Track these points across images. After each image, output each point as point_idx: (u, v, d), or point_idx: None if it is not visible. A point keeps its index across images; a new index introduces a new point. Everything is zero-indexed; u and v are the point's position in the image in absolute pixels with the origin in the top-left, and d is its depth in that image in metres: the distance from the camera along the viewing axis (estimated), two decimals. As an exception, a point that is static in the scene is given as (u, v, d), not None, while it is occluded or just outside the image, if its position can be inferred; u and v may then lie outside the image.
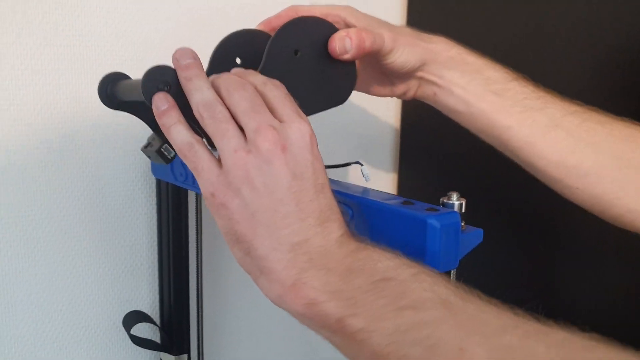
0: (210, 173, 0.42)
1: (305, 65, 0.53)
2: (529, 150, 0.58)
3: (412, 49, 0.58)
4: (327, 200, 0.43)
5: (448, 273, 0.47)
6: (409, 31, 0.60)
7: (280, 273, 0.40)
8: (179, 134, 0.44)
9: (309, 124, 0.43)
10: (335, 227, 0.42)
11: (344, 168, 0.63)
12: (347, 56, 0.54)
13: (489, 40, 0.81)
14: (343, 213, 0.47)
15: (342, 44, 0.54)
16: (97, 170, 0.73)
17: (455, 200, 0.48)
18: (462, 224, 0.48)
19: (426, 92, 0.62)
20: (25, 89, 0.67)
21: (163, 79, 0.45)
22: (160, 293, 0.76)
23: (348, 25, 0.57)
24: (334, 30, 0.55)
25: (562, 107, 0.57)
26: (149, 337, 0.74)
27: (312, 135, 0.43)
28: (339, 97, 0.57)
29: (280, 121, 0.43)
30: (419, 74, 0.60)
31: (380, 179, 1.01)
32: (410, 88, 0.62)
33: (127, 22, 0.73)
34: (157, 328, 0.75)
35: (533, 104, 0.58)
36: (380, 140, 1.01)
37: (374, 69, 0.60)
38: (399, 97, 0.64)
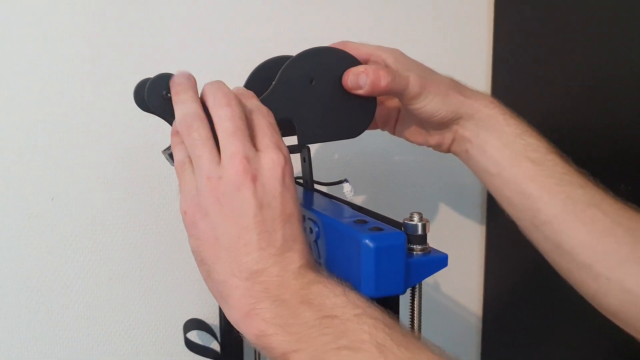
0: (188, 192, 0.45)
1: (319, 94, 0.54)
2: (558, 226, 0.52)
3: (443, 99, 0.56)
4: (293, 231, 0.43)
5: (394, 298, 0.43)
6: (448, 82, 0.58)
7: (238, 300, 0.42)
8: (179, 152, 0.47)
9: (284, 155, 0.44)
10: (295, 257, 0.42)
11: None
12: (360, 92, 0.54)
13: (575, 74, 0.73)
14: (311, 232, 0.47)
15: (356, 79, 0.54)
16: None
17: (418, 221, 0.44)
18: (424, 247, 0.44)
19: (459, 148, 0.60)
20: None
21: (167, 86, 0.48)
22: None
23: (387, 67, 0.57)
24: (355, 64, 0.54)
25: (603, 190, 0.52)
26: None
27: (285, 166, 0.44)
28: (353, 131, 0.57)
29: (257, 150, 0.44)
30: (454, 127, 0.59)
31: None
32: (445, 141, 0.60)
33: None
34: (213, 339, 0.79)
35: (572, 179, 0.53)
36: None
37: (411, 115, 0.60)
38: (433, 147, 0.62)
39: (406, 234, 0.44)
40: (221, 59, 0.82)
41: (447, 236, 1.00)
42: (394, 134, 0.66)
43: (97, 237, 0.81)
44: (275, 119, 0.52)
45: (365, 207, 0.51)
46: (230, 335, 0.78)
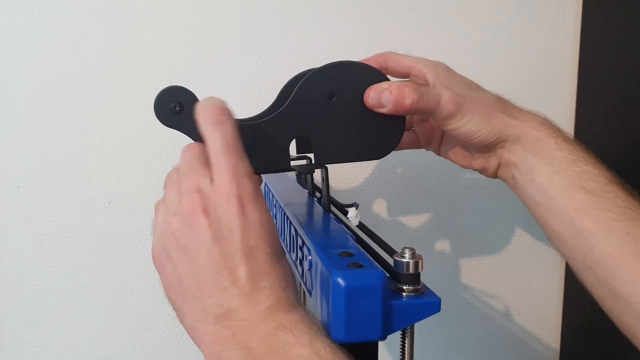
0: (155, 234, 0.43)
1: (339, 111, 0.50)
2: (614, 267, 0.45)
3: (484, 120, 0.51)
4: (259, 265, 0.39)
5: (372, 345, 0.39)
6: (492, 100, 0.52)
7: (207, 347, 0.39)
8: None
9: (239, 182, 0.40)
10: (263, 296, 0.38)
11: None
12: (383, 110, 0.50)
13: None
14: (304, 260, 0.44)
15: (378, 96, 0.50)
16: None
17: (409, 258, 0.39)
18: (416, 288, 0.39)
19: (506, 174, 0.54)
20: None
21: (176, 99, 0.47)
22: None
23: (426, 82, 0.52)
24: (380, 79, 0.50)
25: None
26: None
27: (242, 196, 0.40)
28: (376, 152, 0.52)
29: (211, 180, 0.41)
30: (499, 151, 0.53)
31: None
32: (490, 165, 0.55)
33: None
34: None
35: (636, 214, 0.46)
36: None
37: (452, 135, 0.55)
38: (479, 172, 0.57)
39: (395, 272, 0.40)
40: (256, 69, 0.80)
41: (525, 263, 0.92)
42: (439, 154, 0.61)
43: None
44: (291, 137, 0.50)
45: (379, 236, 0.47)
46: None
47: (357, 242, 0.47)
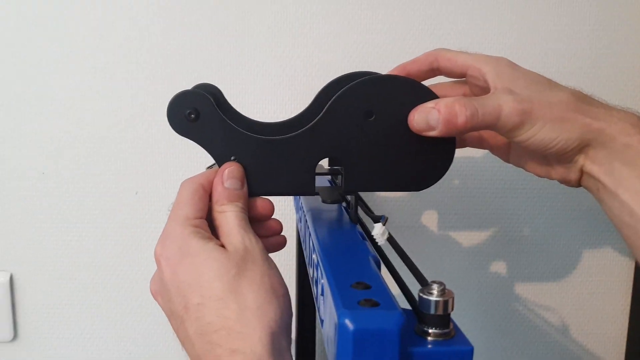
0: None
1: (377, 132, 0.43)
2: None
3: (560, 125, 0.42)
4: (203, 321, 0.36)
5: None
6: (567, 99, 0.43)
7: None
8: None
9: (165, 245, 0.39)
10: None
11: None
12: (432, 133, 0.42)
13: None
14: (317, 284, 0.39)
15: (425, 118, 0.42)
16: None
17: (436, 296, 0.32)
18: (445, 332, 0.32)
19: (590, 185, 0.45)
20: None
21: (191, 105, 0.43)
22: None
23: (486, 83, 0.45)
24: (428, 97, 0.43)
25: None
26: None
27: (169, 258, 0.39)
28: (418, 183, 0.45)
29: None
30: (580, 158, 0.44)
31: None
32: (571, 176, 0.46)
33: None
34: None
35: None
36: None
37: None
38: (560, 182, 0.48)
39: (420, 311, 0.33)
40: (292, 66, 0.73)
41: (586, 274, 0.82)
42: (508, 162, 0.52)
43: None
44: (319, 158, 0.43)
45: (409, 257, 0.40)
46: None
47: (383, 263, 0.40)
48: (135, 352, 0.80)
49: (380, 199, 0.77)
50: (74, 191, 0.76)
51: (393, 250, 0.43)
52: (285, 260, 0.39)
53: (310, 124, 0.43)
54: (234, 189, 0.42)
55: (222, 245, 0.39)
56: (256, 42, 0.73)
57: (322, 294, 0.37)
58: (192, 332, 0.37)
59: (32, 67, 0.72)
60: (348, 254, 0.40)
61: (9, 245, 0.77)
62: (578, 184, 0.47)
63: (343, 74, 0.50)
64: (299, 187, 0.44)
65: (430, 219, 0.79)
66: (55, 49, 0.72)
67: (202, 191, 0.42)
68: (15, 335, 0.78)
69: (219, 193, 0.42)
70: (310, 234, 0.46)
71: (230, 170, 0.42)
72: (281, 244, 0.46)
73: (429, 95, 0.43)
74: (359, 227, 0.46)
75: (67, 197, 0.76)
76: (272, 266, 0.39)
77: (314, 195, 0.45)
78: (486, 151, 0.53)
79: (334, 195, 0.46)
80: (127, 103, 0.74)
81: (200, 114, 0.42)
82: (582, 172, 0.45)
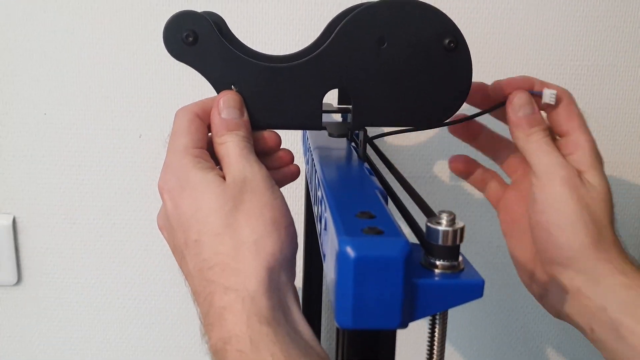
0: None
1: (389, 61, 0.40)
2: None
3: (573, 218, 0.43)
4: (200, 258, 0.35)
5: (388, 335, 0.30)
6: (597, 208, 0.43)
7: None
8: None
9: (166, 178, 0.38)
10: (215, 298, 0.33)
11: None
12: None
13: None
14: (320, 220, 0.37)
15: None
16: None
17: (445, 225, 0.30)
18: (453, 264, 0.30)
19: (578, 319, 0.43)
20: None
21: (189, 27, 0.40)
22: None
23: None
24: (449, 27, 0.40)
25: None
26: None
27: (170, 190, 0.37)
28: (431, 118, 0.42)
29: None
30: (564, 282, 0.43)
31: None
32: (551, 298, 0.45)
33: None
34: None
35: None
36: None
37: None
38: (536, 298, 0.48)
39: (428, 242, 0.30)
40: None
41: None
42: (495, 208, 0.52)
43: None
44: (326, 88, 0.41)
45: (418, 193, 0.37)
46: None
47: (391, 200, 0.38)
48: (140, 294, 0.79)
49: (391, 148, 0.75)
50: (76, 133, 0.74)
51: (400, 188, 0.40)
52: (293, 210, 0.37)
53: (317, 50, 0.40)
54: (232, 118, 0.39)
55: (224, 177, 0.37)
56: (265, -22, 0.70)
57: (326, 229, 0.35)
58: (192, 268, 0.35)
59: (34, 6, 0.70)
60: (354, 187, 0.38)
61: (12, 188, 0.75)
62: (557, 314, 0.44)
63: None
64: (305, 119, 0.42)
65: (442, 169, 0.76)
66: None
67: (199, 121, 0.39)
68: (19, 279, 0.78)
69: (216, 124, 0.39)
70: (316, 171, 0.43)
71: (226, 100, 0.39)
72: (294, 173, 0.44)
73: (447, 22, 0.40)
74: (366, 165, 0.44)
75: (69, 139, 0.74)
76: (276, 196, 0.36)
77: (320, 129, 0.43)
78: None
79: (342, 128, 0.44)
80: (130, 41, 0.71)
81: (198, 36, 0.39)
82: (564, 299, 0.43)
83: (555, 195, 0.42)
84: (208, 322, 0.33)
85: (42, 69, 0.71)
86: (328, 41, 0.40)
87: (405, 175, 0.45)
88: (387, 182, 0.41)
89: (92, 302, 0.79)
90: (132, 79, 0.72)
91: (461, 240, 0.30)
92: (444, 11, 0.40)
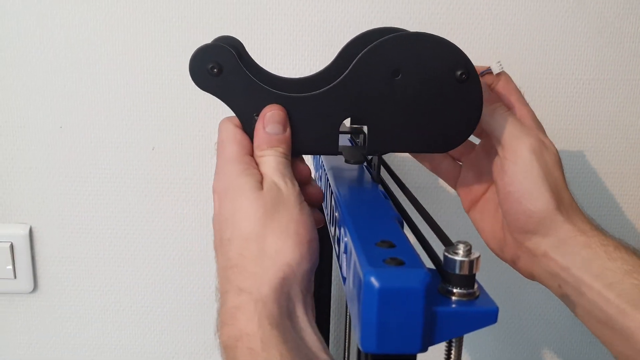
0: None
1: (403, 92, 0.42)
2: None
3: (539, 183, 0.47)
4: (226, 256, 0.37)
5: (410, 357, 0.32)
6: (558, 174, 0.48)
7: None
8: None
9: (217, 180, 0.41)
10: (229, 297, 0.36)
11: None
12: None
13: None
14: (339, 242, 0.39)
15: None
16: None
17: (462, 256, 0.32)
18: (469, 292, 0.32)
19: (547, 280, 0.48)
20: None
21: (214, 59, 0.42)
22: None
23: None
24: (460, 59, 0.42)
25: None
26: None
27: (219, 192, 0.40)
28: (442, 144, 0.44)
29: None
30: (534, 247, 0.48)
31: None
32: (522, 262, 0.50)
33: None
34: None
35: None
36: None
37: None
38: (509, 263, 0.52)
39: (445, 270, 0.33)
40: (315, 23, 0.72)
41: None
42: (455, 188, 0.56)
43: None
44: (343, 117, 0.43)
45: (434, 219, 0.39)
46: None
47: (406, 223, 0.40)
48: (153, 302, 0.82)
49: (397, 159, 0.77)
50: (91, 146, 0.76)
51: (415, 211, 0.43)
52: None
53: (335, 81, 0.42)
54: (274, 133, 0.41)
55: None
56: (276, -4, 0.72)
57: (346, 252, 0.38)
58: (220, 265, 0.38)
59: (51, 20, 0.71)
60: (371, 212, 0.40)
61: (28, 198, 0.77)
62: (531, 275, 0.48)
63: (367, 29, 0.49)
64: (322, 146, 0.44)
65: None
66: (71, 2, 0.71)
67: (241, 132, 0.42)
68: (35, 287, 0.80)
69: (260, 138, 0.41)
70: (332, 192, 0.46)
71: (272, 114, 0.41)
72: (319, 221, 0.45)
73: (459, 55, 0.42)
74: (380, 187, 0.46)
75: (85, 151, 0.76)
76: (304, 212, 0.39)
77: (337, 154, 0.45)
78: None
79: (357, 155, 0.46)
80: (145, 57, 0.73)
81: (223, 68, 0.41)
82: (534, 263, 0.47)
83: (524, 162, 0.45)
84: (221, 319, 0.35)
85: (58, 83, 0.73)
86: (345, 73, 0.42)
87: (410, 185, 0.48)
88: (401, 203, 0.43)
89: (106, 309, 0.82)
90: (145, 93, 0.74)
91: (477, 269, 0.32)
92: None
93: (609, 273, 0.42)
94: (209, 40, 0.44)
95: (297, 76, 0.48)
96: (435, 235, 0.38)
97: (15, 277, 0.78)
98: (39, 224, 0.78)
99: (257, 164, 0.41)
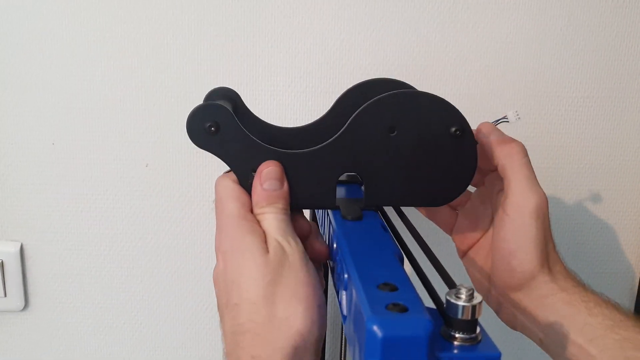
0: None
1: (399, 148, 0.43)
2: None
3: (532, 231, 0.47)
4: (235, 322, 0.37)
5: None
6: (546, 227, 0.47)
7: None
8: None
9: (220, 239, 0.40)
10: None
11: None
12: None
13: None
14: (339, 278, 0.38)
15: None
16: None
17: (464, 301, 0.32)
18: (471, 336, 0.32)
19: (527, 332, 0.48)
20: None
21: (211, 118, 0.42)
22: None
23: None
24: (454, 117, 0.42)
25: None
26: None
27: (224, 252, 0.39)
28: (437, 198, 0.45)
29: None
30: (516, 299, 0.48)
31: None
32: (504, 313, 0.50)
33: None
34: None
35: None
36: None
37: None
38: (493, 309, 0.52)
39: (447, 315, 0.32)
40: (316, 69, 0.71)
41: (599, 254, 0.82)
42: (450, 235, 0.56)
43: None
44: (340, 173, 0.43)
45: (437, 257, 0.39)
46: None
47: (408, 260, 0.39)
48: (147, 320, 0.81)
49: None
50: (83, 162, 0.75)
51: (414, 243, 0.42)
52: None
53: (332, 138, 0.42)
54: (272, 189, 0.41)
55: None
56: (268, 38, 0.71)
57: (346, 289, 0.37)
58: (227, 329, 0.37)
59: (43, 34, 0.70)
60: (371, 247, 0.39)
61: (19, 215, 0.76)
62: (513, 325, 0.48)
63: (363, 79, 0.51)
64: (319, 200, 0.44)
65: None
66: (65, 15, 0.70)
67: (239, 188, 0.41)
68: (26, 305, 0.79)
69: (258, 195, 0.41)
70: (331, 223, 0.45)
71: (268, 172, 0.41)
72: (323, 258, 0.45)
73: (453, 112, 0.42)
74: (380, 216, 0.46)
75: (77, 168, 0.75)
76: (311, 273, 0.38)
77: (334, 209, 0.45)
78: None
79: (355, 211, 0.45)
80: (137, 72, 0.72)
81: (220, 126, 0.41)
82: (515, 316, 0.47)
83: (524, 225, 0.45)
84: None
85: (49, 99, 0.72)
86: (342, 130, 0.42)
87: (410, 216, 0.48)
88: (400, 234, 0.43)
89: (99, 327, 0.81)
90: (139, 110, 0.73)
91: (479, 314, 0.32)
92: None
93: (590, 329, 0.42)
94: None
95: (293, 120, 0.48)
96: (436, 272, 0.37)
97: (5, 295, 0.77)
98: (30, 241, 0.77)
99: (257, 220, 0.40)
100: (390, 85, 0.50)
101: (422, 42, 0.72)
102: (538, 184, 0.46)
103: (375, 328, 0.29)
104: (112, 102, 0.73)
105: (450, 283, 0.34)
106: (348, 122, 0.42)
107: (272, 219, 0.40)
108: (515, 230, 0.46)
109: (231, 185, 0.41)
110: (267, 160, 0.42)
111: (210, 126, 0.41)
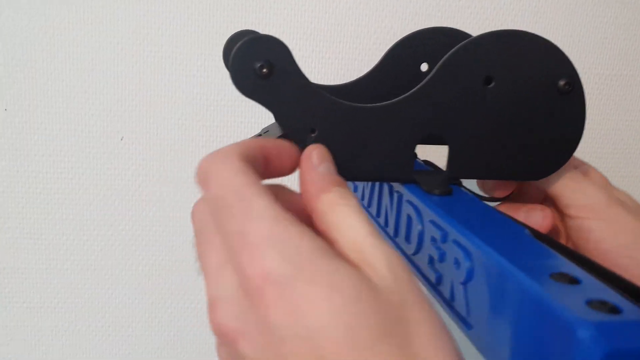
0: None
1: (496, 104, 0.34)
2: None
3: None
4: None
5: None
6: None
7: None
8: None
9: (266, 258, 0.23)
10: None
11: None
12: None
13: None
14: (457, 267, 0.28)
15: None
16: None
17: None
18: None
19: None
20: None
21: (264, 56, 0.30)
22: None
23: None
24: (561, 60, 0.34)
25: None
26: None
27: (280, 282, 0.21)
28: (537, 170, 0.36)
29: None
30: None
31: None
32: None
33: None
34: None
35: None
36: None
37: None
38: None
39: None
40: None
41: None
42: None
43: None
44: (420, 135, 0.34)
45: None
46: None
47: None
48: (118, 322, 0.69)
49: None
50: (42, 134, 0.62)
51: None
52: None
53: (412, 90, 0.33)
54: (329, 173, 0.28)
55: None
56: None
57: (469, 281, 0.28)
58: None
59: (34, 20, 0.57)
60: (500, 230, 0.30)
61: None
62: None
63: (416, 29, 0.42)
64: (394, 170, 0.35)
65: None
66: None
67: (255, 174, 0.26)
68: (-34, 305, 0.65)
69: (318, 179, 0.28)
70: (404, 201, 0.36)
71: (320, 152, 0.29)
72: None
73: (564, 61, 0.34)
74: (467, 190, 0.37)
75: (34, 141, 0.62)
76: (431, 303, 0.24)
77: (412, 182, 0.36)
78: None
79: (441, 184, 0.36)
80: (113, 32, 0.60)
81: (274, 67, 0.30)
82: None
83: (610, 213, 0.36)
84: None
85: (4, 59, 0.59)
86: (428, 77, 0.33)
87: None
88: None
89: (58, 330, 0.68)
90: (113, 72, 0.61)
91: None
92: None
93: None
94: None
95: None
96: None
97: (-59, 294, 0.63)
98: (-19, 228, 0.63)
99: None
100: (450, 37, 0.42)
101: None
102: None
103: (587, 333, 0.20)
104: (79, 60, 0.60)
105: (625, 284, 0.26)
106: (435, 68, 0.33)
107: (354, 214, 0.25)
108: (609, 220, 0.37)
109: (243, 169, 0.25)
110: (313, 144, 0.31)
111: (261, 66, 0.30)
